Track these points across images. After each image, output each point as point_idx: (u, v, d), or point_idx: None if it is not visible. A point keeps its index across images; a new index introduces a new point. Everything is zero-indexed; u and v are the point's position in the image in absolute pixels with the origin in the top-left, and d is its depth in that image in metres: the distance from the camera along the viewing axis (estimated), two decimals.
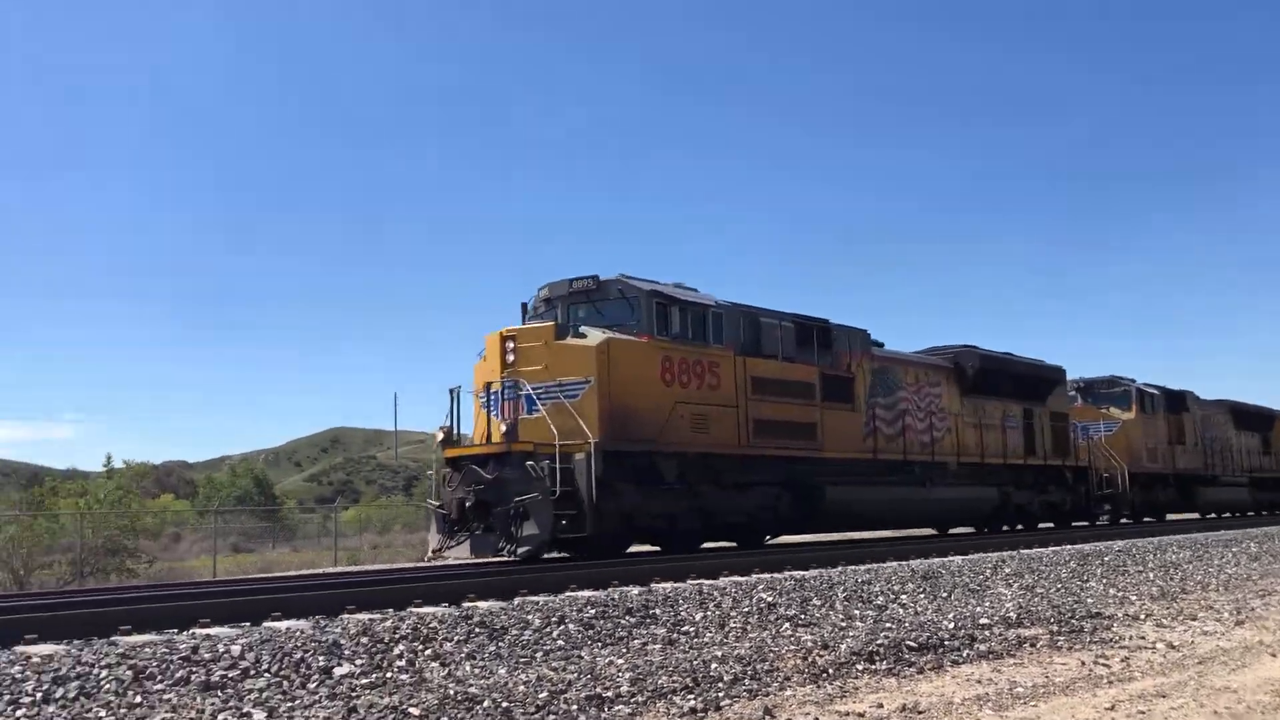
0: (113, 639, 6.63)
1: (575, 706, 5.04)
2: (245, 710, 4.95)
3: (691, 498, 14.56)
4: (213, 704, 5.07)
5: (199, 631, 6.90)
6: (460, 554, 13.52)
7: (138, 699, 5.14)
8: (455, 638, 6.83)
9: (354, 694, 5.38)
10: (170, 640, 6.46)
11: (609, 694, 5.30)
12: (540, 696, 5.20)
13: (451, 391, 14.48)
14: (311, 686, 5.55)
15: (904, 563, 12.98)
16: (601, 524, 13.13)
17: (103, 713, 4.89)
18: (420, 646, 6.54)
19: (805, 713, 5.00)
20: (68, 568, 22.55)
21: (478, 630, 7.06)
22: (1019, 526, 22.36)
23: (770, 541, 17.21)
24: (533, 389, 13.60)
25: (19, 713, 4.82)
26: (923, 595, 9.98)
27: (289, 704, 5.13)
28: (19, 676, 5.35)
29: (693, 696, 5.30)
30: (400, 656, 6.27)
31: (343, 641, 6.46)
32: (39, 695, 5.10)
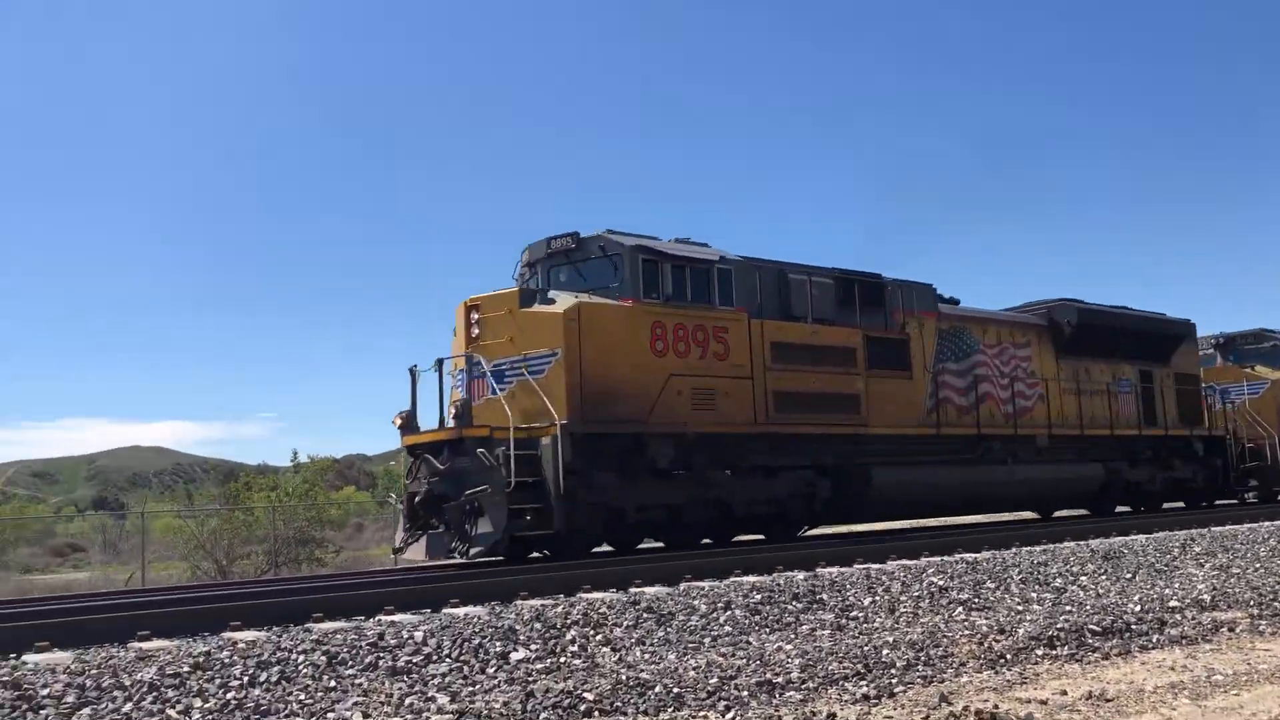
0: (307, 626, 7.07)
1: (746, 692, 5.05)
2: (430, 694, 5.17)
3: (696, 486, 12.69)
4: (400, 688, 5.32)
5: (384, 619, 7.27)
6: (416, 555, 11.88)
7: (332, 683, 5.44)
8: (624, 623, 6.96)
9: (530, 679, 5.55)
10: (359, 627, 6.83)
11: (779, 680, 5.28)
12: (710, 682, 5.24)
13: (411, 370, 12.64)
14: (490, 671, 5.75)
15: (1082, 542, 12.51)
16: (573, 518, 11.48)
17: (302, 695, 5.19)
18: (591, 632, 6.69)
19: (984, 699, 4.85)
20: (263, 558, 24.03)
21: (646, 615, 7.17)
22: (1141, 508, 19.72)
23: (807, 533, 14.89)
24: (494, 365, 11.93)
25: (229, 695, 5.17)
26: (1104, 576, 9.54)
27: (470, 688, 5.33)
28: (227, 661, 5.76)
29: (865, 683, 5.23)
30: (573, 642, 6.43)
31: (517, 627, 6.68)
32: (245, 679, 5.47)
